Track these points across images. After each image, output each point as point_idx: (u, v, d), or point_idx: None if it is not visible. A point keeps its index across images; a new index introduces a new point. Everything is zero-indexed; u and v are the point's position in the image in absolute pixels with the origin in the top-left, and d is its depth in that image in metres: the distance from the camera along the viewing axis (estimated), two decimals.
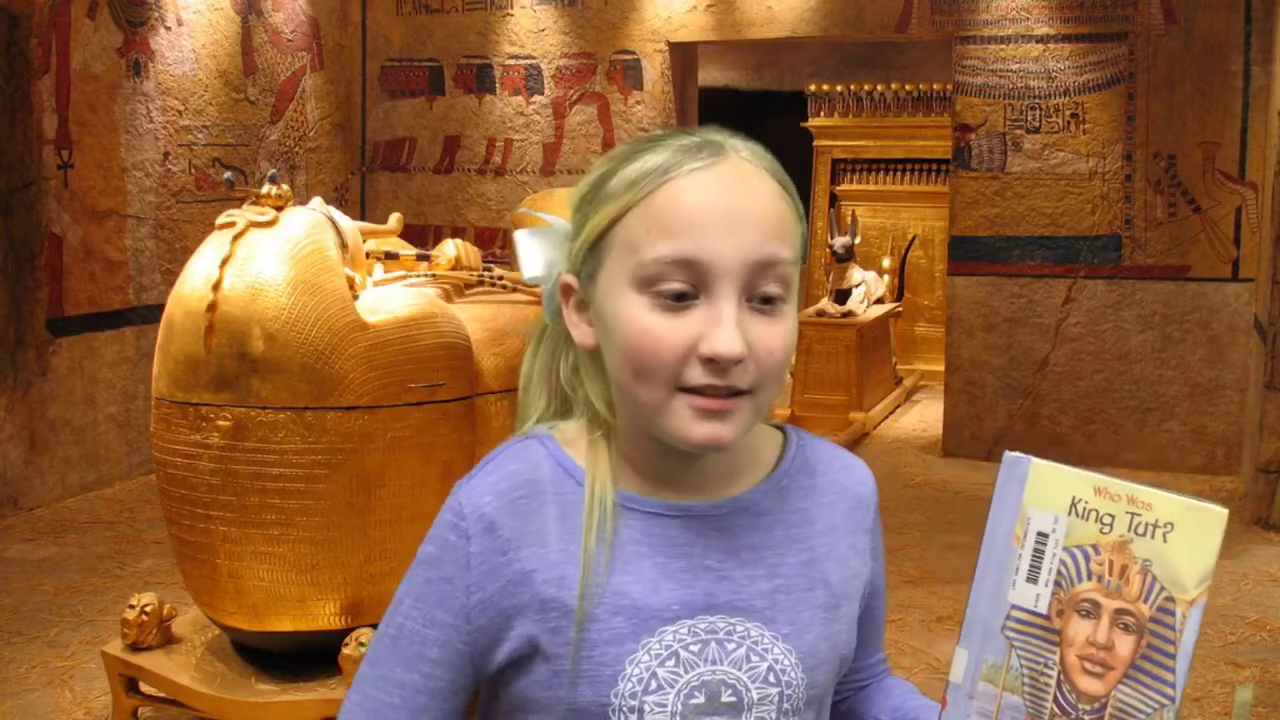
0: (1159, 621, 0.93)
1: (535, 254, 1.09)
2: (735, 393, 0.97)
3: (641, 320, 0.97)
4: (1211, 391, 6.49)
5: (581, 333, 1.05)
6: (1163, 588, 0.93)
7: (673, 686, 0.99)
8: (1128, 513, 0.95)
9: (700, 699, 1.00)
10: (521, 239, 1.10)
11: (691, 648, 1.00)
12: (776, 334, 0.98)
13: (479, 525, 1.02)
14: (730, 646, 1.01)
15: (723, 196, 0.97)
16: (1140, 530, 0.94)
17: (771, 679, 1.02)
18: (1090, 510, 0.96)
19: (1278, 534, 5.38)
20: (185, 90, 6.57)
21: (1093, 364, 6.66)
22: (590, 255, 1.02)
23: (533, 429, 1.09)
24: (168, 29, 6.42)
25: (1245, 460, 5.94)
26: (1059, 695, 0.97)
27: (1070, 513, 0.96)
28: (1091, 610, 0.95)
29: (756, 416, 1.01)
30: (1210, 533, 0.92)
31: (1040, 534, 0.97)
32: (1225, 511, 0.93)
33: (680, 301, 0.96)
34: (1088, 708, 0.96)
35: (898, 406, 8.39)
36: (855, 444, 7.19)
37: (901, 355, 9.26)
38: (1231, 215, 6.38)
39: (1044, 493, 0.98)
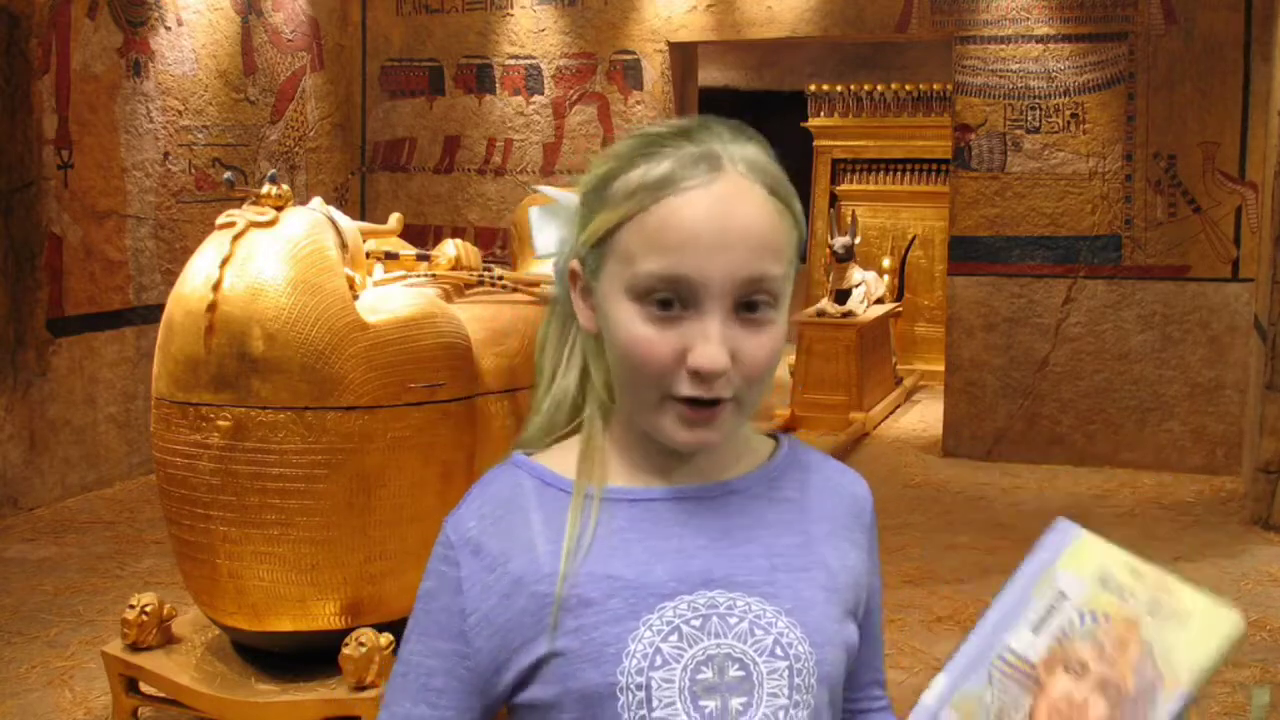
0: (1141, 698, 0.93)
1: (548, 230, 1.14)
2: (719, 400, 1.01)
3: (634, 329, 1.01)
4: (1211, 391, 6.49)
5: (585, 317, 1.08)
6: (1156, 668, 0.94)
7: (678, 662, 1.00)
8: (1149, 593, 0.96)
9: (708, 674, 1.00)
10: (535, 215, 1.14)
11: (693, 623, 1.01)
12: (762, 344, 1.02)
13: (466, 550, 1.05)
14: (733, 620, 1.02)
15: (714, 217, 1.00)
16: (1156, 612, 0.95)
17: (779, 652, 1.02)
18: (1119, 585, 0.97)
19: (1278, 534, 5.38)
20: (185, 90, 6.57)
21: (1093, 364, 6.66)
22: (593, 253, 1.05)
23: (509, 456, 1.12)
24: (168, 29, 6.42)
25: (1245, 460, 5.94)
26: None
27: (1097, 581, 0.98)
28: (1080, 671, 0.96)
29: (742, 416, 1.05)
30: (1219, 633, 0.94)
31: (1061, 593, 0.99)
32: (1239, 618, 0.94)
33: (668, 311, 1.00)
34: None
35: (898, 406, 8.39)
36: (855, 444, 7.19)
37: (901, 355, 9.26)
38: (1231, 215, 6.38)
39: (1080, 560, 1.00)
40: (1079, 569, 0.99)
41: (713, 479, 1.08)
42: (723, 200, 1.00)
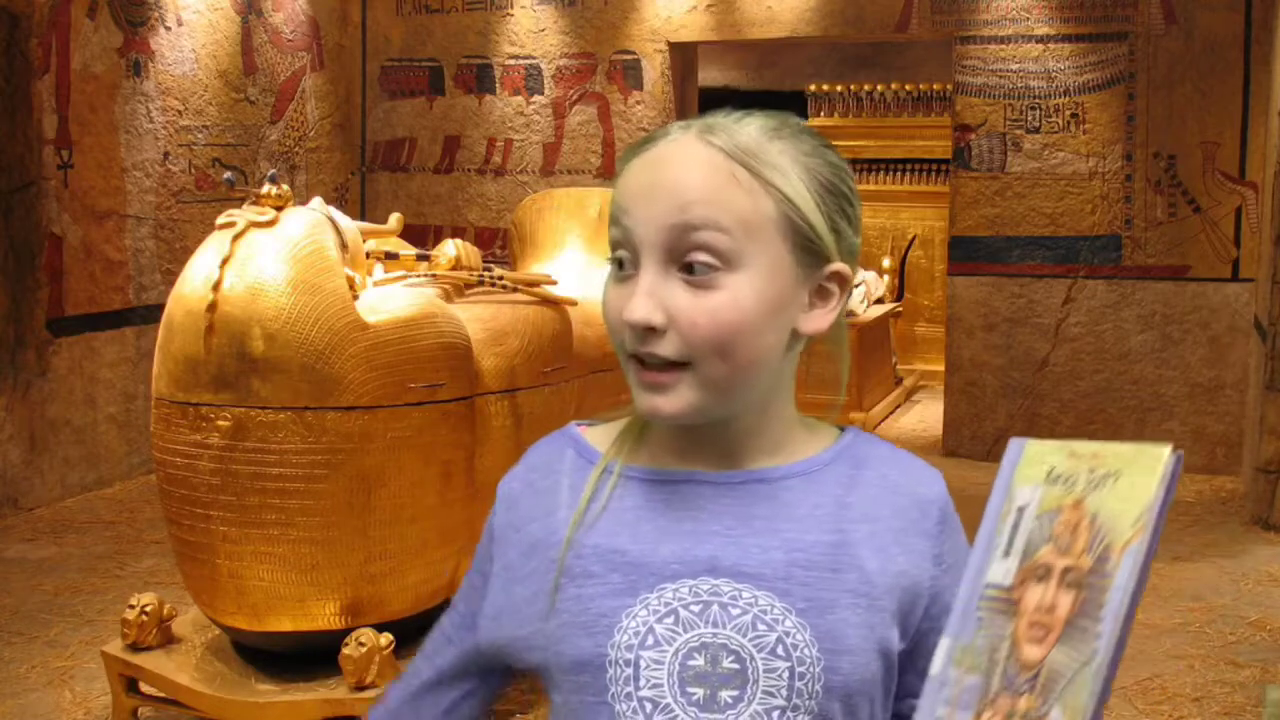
0: (1096, 573, 0.87)
1: None
2: (669, 365, 0.99)
3: (606, 291, 1.05)
4: (1211, 391, 6.48)
5: None
6: (1104, 537, 0.88)
7: (670, 644, 0.99)
8: (1087, 469, 0.91)
9: (699, 661, 0.98)
10: None
11: (692, 608, 0.99)
12: (701, 306, 0.98)
13: (504, 504, 1.12)
14: (735, 611, 0.99)
15: (649, 172, 1.01)
16: (1094, 484, 0.90)
17: (781, 652, 0.98)
18: (1059, 475, 0.93)
19: (1278, 534, 5.38)
20: (185, 90, 6.56)
21: (1093, 364, 6.66)
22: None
23: (567, 425, 1.17)
24: (168, 29, 6.42)
25: (1245, 460, 5.94)
26: (1006, 669, 0.91)
27: (1046, 481, 0.93)
28: (1045, 574, 0.91)
29: (709, 393, 1.00)
30: (1151, 472, 0.87)
31: (1020, 508, 0.94)
32: (1167, 449, 0.88)
33: (622, 270, 1.02)
34: (1026, 676, 0.89)
35: (898, 406, 8.39)
36: None
37: (901, 355, 9.26)
38: (1231, 215, 6.38)
39: (1030, 469, 0.95)
40: (1032, 478, 0.94)
41: (739, 466, 1.06)
42: (660, 156, 1.01)
